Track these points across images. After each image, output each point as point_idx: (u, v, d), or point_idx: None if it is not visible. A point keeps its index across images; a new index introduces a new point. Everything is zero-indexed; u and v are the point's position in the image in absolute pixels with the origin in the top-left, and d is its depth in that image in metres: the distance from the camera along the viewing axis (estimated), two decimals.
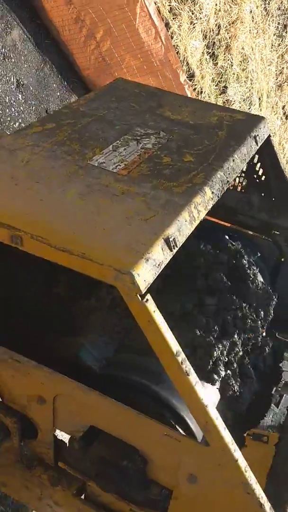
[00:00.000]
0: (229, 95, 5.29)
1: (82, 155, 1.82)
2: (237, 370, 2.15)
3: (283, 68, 6.27)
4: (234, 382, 2.09)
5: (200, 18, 4.65)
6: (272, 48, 5.96)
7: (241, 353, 2.16)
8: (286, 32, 6.13)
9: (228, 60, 5.15)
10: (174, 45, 4.27)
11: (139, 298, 1.37)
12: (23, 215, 1.53)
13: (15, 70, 3.90)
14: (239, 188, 2.60)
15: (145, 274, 1.38)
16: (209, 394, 1.87)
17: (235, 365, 2.11)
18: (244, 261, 2.39)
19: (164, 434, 1.64)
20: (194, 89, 4.67)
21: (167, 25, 4.25)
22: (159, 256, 1.45)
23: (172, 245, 1.50)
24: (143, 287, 1.37)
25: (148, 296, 1.39)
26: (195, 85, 4.70)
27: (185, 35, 4.47)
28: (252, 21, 5.43)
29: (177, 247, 1.52)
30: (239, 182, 2.58)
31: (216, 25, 4.89)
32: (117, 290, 1.39)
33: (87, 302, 2.10)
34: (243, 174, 2.54)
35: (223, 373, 2.04)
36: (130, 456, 1.74)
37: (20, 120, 3.92)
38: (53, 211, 1.55)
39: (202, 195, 1.72)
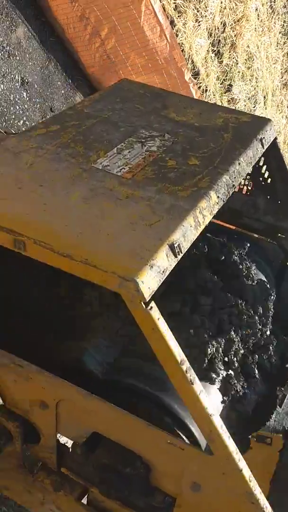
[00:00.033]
0: (234, 93, 5.26)
1: (86, 158, 1.80)
2: (240, 369, 2.12)
3: None
4: (236, 382, 2.07)
5: (205, 16, 4.62)
6: (277, 46, 5.92)
7: (242, 352, 2.13)
8: None
9: (233, 58, 5.12)
10: (179, 43, 4.25)
11: (143, 305, 1.35)
12: (27, 219, 1.51)
13: (19, 68, 3.88)
14: (244, 191, 2.57)
15: (149, 281, 1.36)
16: (212, 400, 1.85)
17: (236, 364, 2.09)
18: (235, 257, 2.35)
19: (168, 442, 1.62)
20: (199, 87, 4.64)
21: (172, 22, 4.23)
22: (164, 262, 1.43)
23: (177, 251, 1.47)
24: (147, 295, 1.35)
25: (153, 304, 1.37)
26: (200, 83, 4.67)
27: (190, 33, 4.44)
28: (258, 19, 5.39)
29: (182, 253, 1.50)
30: (244, 184, 2.56)
31: (221, 23, 4.85)
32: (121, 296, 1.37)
33: (90, 306, 2.08)
34: (249, 177, 2.52)
35: (223, 372, 2.02)
36: (132, 462, 1.72)
37: (24, 118, 3.90)
38: (56, 215, 1.53)
39: (208, 199, 1.69)
